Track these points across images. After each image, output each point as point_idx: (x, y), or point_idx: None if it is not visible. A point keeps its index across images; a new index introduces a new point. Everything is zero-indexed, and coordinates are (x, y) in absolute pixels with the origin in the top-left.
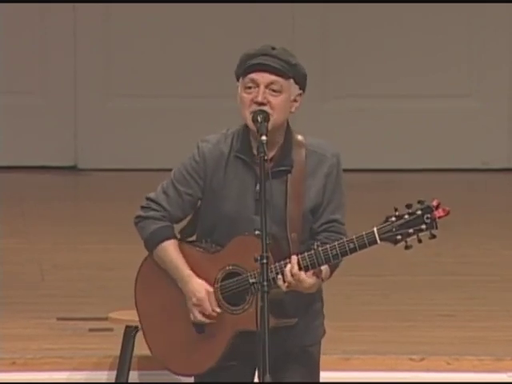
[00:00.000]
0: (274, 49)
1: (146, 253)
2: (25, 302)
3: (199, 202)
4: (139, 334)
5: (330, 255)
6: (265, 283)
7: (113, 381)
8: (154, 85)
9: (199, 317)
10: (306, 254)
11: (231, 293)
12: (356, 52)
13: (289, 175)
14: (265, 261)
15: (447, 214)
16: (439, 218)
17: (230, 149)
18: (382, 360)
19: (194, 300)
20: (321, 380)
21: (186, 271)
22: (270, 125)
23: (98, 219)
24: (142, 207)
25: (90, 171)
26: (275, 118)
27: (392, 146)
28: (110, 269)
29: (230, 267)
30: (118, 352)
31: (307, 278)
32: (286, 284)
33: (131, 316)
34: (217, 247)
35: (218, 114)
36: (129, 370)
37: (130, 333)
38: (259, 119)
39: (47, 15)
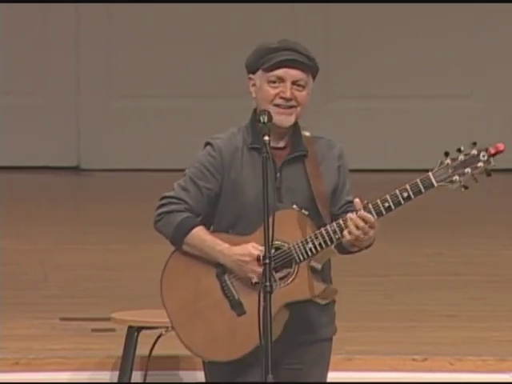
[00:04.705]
0: (294, 43)
1: (148, 253)
2: (27, 302)
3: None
4: (142, 335)
5: (382, 208)
6: (267, 284)
7: (115, 381)
8: (156, 85)
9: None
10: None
11: (274, 267)
12: (357, 52)
13: (305, 159)
14: (267, 261)
15: (503, 150)
16: (495, 154)
17: (243, 143)
18: (385, 360)
19: (247, 259)
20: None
21: (224, 245)
22: (294, 118)
23: (101, 219)
24: (162, 205)
25: (93, 171)
26: (298, 112)
27: (392, 146)
28: (112, 269)
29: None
30: (120, 352)
31: (372, 219)
32: (353, 236)
33: (134, 316)
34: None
35: (220, 115)
36: (131, 371)
37: (132, 333)
38: (262, 120)
39: (49, 15)
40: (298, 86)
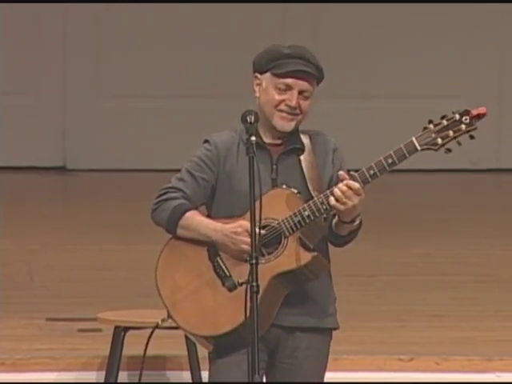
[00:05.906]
0: (305, 51)
1: (138, 254)
2: (14, 302)
3: (212, 195)
4: (128, 334)
5: (368, 175)
6: (254, 284)
7: (102, 381)
8: (143, 85)
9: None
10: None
11: (263, 243)
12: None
13: (301, 153)
14: (254, 261)
15: (485, 113)
16: (477, 116)
17: (239, 139)
18: (372, 360)
19: (238, 229)
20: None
21: (217, 223)
22: (294, 125)
23: (87, 220)
24: (159, 195)
25: (79, 172)
26: (299, 119)
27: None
28: (99, 269)
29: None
30: (107, 352)
31: (357, 186)
32: (339, 203)
33: (120, 316)
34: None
35: (208, 115)
36: (118, 371)
37: (119, 333)
38: (249, 120)
39: (38, 16)
40: (304, 96)
